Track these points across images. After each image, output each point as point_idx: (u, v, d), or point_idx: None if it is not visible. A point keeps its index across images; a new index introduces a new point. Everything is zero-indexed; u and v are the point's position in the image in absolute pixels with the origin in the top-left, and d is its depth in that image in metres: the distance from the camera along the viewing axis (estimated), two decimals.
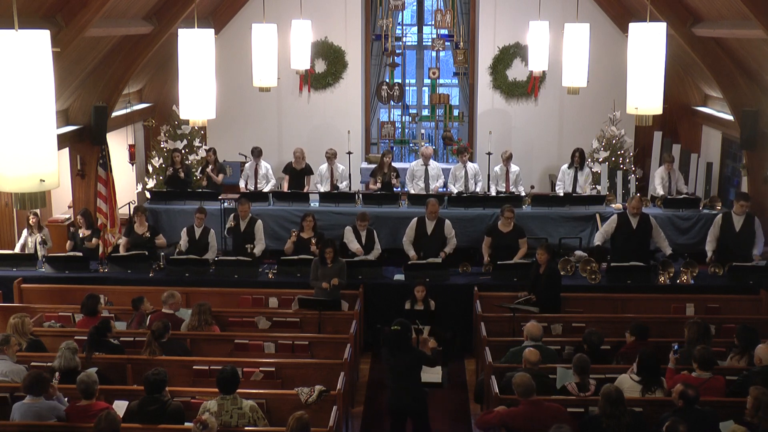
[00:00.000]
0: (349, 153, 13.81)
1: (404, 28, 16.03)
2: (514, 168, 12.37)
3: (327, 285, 8.80)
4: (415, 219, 10.24)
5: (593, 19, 13.00)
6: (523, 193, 12.11)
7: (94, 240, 10.58)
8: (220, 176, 12.78)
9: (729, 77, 11.41)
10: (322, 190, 12.07)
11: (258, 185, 12.53)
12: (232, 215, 10.54)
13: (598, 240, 10.10)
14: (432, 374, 7.54)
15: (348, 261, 9.39)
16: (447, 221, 10.22)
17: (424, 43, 15.83)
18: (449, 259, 9.98)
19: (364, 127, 15.46)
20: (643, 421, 5.87)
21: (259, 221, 10.41)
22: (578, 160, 12.06)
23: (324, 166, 12.48)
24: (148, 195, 12.41)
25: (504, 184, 12.32)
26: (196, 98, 7.06)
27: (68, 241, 10.65)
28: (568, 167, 12.21)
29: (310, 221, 10.07)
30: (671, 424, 5.26)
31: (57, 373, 6.65)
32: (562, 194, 11.83)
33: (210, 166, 12.73)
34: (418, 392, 6.76)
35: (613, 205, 11.59)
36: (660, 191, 12.01)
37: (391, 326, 6.69)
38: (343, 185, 12.42)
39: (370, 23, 15.25)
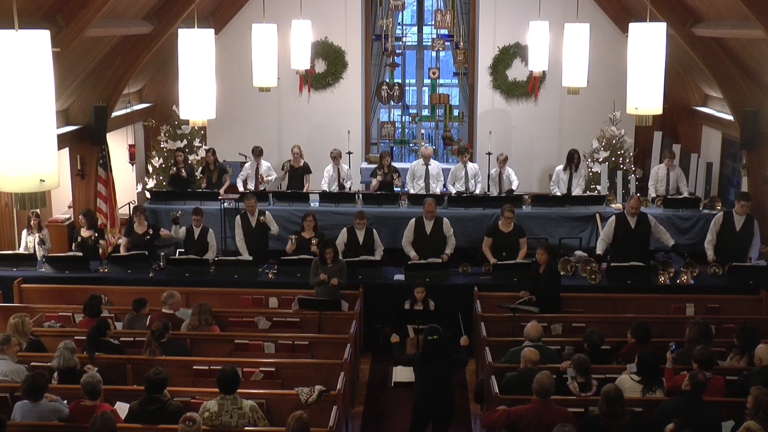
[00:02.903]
0: (350, 153, 13.84)
1: (404, 28, 16.03)
2: (508, 170, 12.39)
3: (325, 276, 8.80)
4: (414, 219, 10.22)
5: (593, 19, 13.00)
6: (514, 185, 12.28)
7: (101, 242, 10.56)
8: (225, 177, 12.78)
9: (729, 77, 11.41)
10: (331, 190, 12.06)
11: (258, 185, 12.54)
12: (238, 216, 10.45)
13: (600, 248, 10.00)
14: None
15: (348, 261, 9.39)
16: (445, 220, 10.22)
17: (424, 43, 15.83)
18: (449, 259, 9.98)
19: (364, 127, 15.47)
20: (643, 421, 5.87)
21: (267, 211, 10.52)
22: (576, 161, 12.05)
23: (330, 167, 12.48)
24: (148, 195, 12.41)
25: (497, 188, 12.31)
26: (196, 98, 7.06)
27: (73, 244, 10.62)
28: (564, 169, 12.18)
29: (310, 221, 10.05)
30: (675, 428, 5.26)
31: (56, 373, 6.65)
32: (558, 194, 11.85)
33: (225, 184, 12.68)
34: (448, 398, 6.76)
35: (613, 205, 11.59)
36: (652, 193, 11.98)
37: (428, 337, 6.62)
38: (348, 185, 12.45)
39: (370, 23, 15.25)
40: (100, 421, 5.43)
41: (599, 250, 9.99)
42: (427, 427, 6.83)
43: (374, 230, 10.22)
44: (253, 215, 10.36)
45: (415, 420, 6.82)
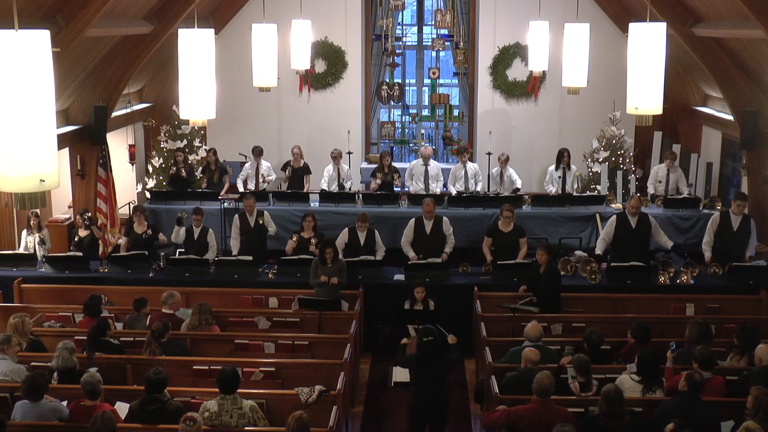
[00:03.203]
0: (350, 153, 13.83)
1: (404, 28, 16.03)
2: (509, 171, 12.41)
3: (326, 277, 8.81)
4: (413, 219, 10.22)
5: (593, 19, 13.00)
6: (518, 184, 12.29)
7: (95, 229, 10.59)
8: (225, 177, 12.79)
9: (729, 77, 11.41)
10: (330, 190, 12.07)
11: (258, 185, 12.54)
12: (236, 215, 10.46)
13: (600, 248, 9.99)
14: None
15: (348, 261, 9.38)
16: (445, 219, 10.21)
17: (424, 43, 15.83)
18: (449, 259, 9.97)
19: (364, 127, 15.47)
20: (643, 421, 5.87)
21: (266, 212, 10.50)
22: (567, 160, 12.08)
23: (330, 167, 12.48)
24: (148, 195, 12.41)
25: (499, 188, 12.33)
26: (196, 98, 7.06)
27: (75, 239, 10.64)
28: (556, 169, 12.21)
29: (310, 221, 10.05)
30: (675, 428, 5.26)
31: (56, 373, 6.65)
32: (558, 195, 11.88)
33: (225, 185, 12.69)
34: (444, 397, 6.75)
35: (613, 205, 11.59)
36: (651, 190, 12.00)
37: (423, 339, 6.61)
38: (348, 185, 12.46)
39: (370, 23, 15.25)
40: (100, 421, 5.43)
41: (599, 250, 9.98)
42: (425, 429, 6.82)
43: (376, 231, 10.21)
44: (251, 215, 10.36)
45: (413, 421, 6.81)
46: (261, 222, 10.31)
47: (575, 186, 12.17)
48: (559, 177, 12.15)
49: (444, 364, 6.72)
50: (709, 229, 9.98)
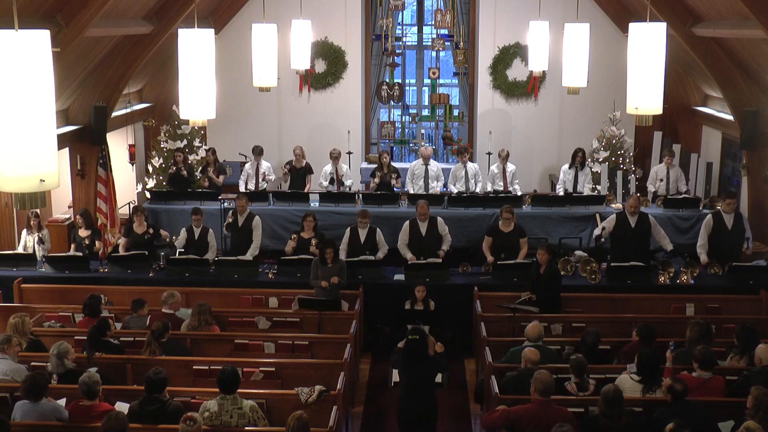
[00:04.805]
0: (349, 153, 13.83)
1: (404, 28, 16.03)
2: (510, 167, 12.43)
3: (326, 283, 8.81)
4: (408, 222, 10.21)
5: (593, 19, 13.00)
6: (519, 192, 12.25)
7: (97, 243, 10.57)
8: (221, 177, 12.79)
9: (729, 77, 11.42)
10: (326, 189, 12.08)
11: (258, 185, 12.54)
12: (230, 211, 10.56)
13: (598, 230, 10.03)
14: None
15: (348, 261, 9.38)
16: (439, 219, 10.21)
17: (424, 43, 15.83)
18: (449, 259, 9.97)
19: (364, 127, 15.47)
20: (643, 421, 5.86)
21: (257, 217, 10.47)
22: (580, 160, 12.10)
23: (328, 166, 12.49)
24: (148, 195, 12.41)
25: (501, 183, 12.37)
26: (196, 98, 7.07)
27: (71, 245, 10.61)
28: (569, 167, 12.25)
29: (310, 221, 10.06)
30: (675, 428, 5.25)
31: (54, 375, 6.65)
32: (562, 194, 11.87)
33: (210, 168, 12.71)
34: (431, 399, 6.73)
35: (613, 205, 11.59)
36: (651, 189, 12.01)
37: (409, 336, 6.64)
38: (348, 183, 12.47)
39: (370, 23, 15.25)
40: (113, 421, 5.43)
41: (598, 231, 10.00)
42: (417, 430, 6.80)
43: (378, 230, 10.20)
44: (242, 215, 10.37)
45: (403, 424, 6.79)
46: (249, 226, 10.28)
47: (588, 186, 12.16)
48: (572, 176, 12.16)
49: (432, 365, 6.73)
50: (703, 232, 9.96)
